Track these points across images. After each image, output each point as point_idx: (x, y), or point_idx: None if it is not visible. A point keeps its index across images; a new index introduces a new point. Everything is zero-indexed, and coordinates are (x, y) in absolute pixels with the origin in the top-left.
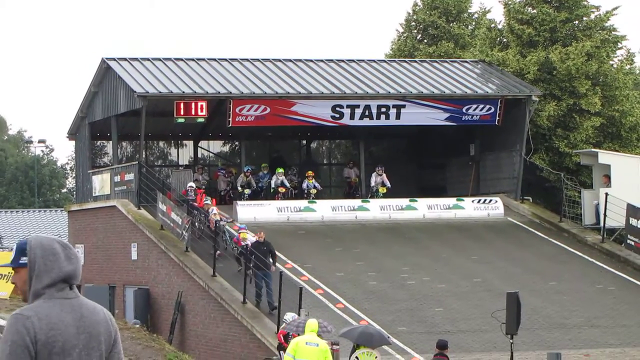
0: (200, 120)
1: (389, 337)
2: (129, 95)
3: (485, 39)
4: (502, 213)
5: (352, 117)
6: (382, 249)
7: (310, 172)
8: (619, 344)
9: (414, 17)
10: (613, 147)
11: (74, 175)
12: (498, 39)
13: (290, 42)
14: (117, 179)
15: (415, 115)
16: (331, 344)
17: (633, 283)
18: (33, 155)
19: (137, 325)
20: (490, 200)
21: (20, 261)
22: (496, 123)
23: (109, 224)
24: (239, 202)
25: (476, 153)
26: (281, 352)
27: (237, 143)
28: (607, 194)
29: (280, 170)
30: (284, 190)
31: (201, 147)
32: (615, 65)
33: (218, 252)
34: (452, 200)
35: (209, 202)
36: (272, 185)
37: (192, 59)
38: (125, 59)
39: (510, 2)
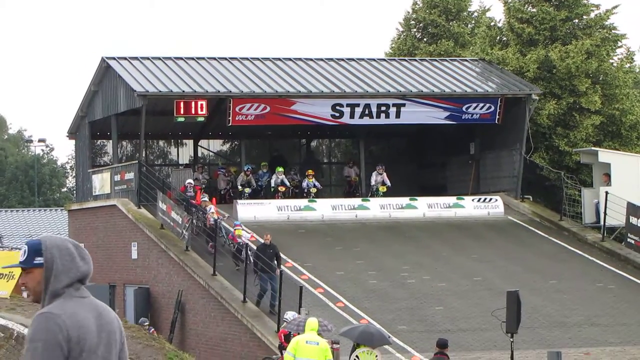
0: (200, 119)
1: (389, 336)
2: (129, 94)
3: (485, 38)
4: (502, 212)
5: (352, 116)
6: (382, 247)
7: (310, 171)
8: (619, 342)
9: (414, 15)
10: (613, 145)
11: (74, 174)
12: (498, 37)
13: (290, 41)
14: (117, 178)
15: (415, 114)
16: (331, 342)
17: (633, 281)
18: (33, 155)
19: (146, 324)
20: (491, 199)
21: (35, 261)
22: (496, 122)
23: (109, 223)
24: (239, 201)
25: (476, 152)
26: (282, 351)
27: (237, 142)
28: (607, 193)
29: (280, 169)
30: (284, 189)
31: (201, 146)
32: (615, 64)
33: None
34: (452, 199)
35: (206, 199)
36: (272, 184)
37: (192, 58)
38: (125, 58)
39: (510, 1)
